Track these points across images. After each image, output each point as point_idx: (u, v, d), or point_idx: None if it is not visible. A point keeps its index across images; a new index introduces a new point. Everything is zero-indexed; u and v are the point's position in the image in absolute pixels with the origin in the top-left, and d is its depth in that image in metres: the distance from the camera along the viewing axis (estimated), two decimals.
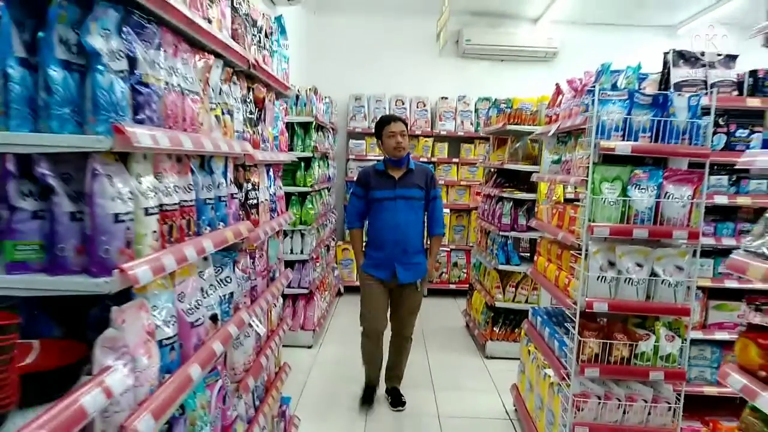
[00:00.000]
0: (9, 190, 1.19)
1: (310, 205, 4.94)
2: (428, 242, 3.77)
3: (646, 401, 2.66)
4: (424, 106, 7.00)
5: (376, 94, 6.99)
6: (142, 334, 1.38)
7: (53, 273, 1.22)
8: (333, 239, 6.62)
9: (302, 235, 4.97)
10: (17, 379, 0.94)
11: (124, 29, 1.28)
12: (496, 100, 5.54)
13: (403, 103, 6.98)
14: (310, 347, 4.87)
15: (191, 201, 1.64)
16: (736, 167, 2.61)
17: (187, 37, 1.63)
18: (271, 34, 2.72)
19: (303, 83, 5.48)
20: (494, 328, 4.76)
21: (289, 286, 4.86)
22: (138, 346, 1.36)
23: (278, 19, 2.90)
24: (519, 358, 3.76)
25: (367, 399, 3.82)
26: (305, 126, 4.96)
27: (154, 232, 1.39)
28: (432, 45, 6.92)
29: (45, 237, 1.22)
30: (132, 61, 1.29)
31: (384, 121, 3.55)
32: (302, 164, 4.91)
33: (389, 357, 3.86)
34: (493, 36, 7.03)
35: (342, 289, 6.70)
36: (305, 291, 4.95)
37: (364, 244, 3.74)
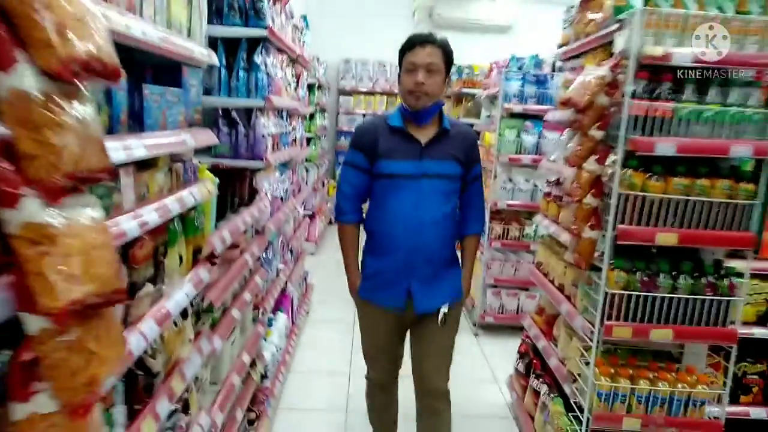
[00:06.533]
0: (219, 123, 2.80)
1: (314, 147, 6.54)
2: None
3: (530, 263, 4.42)
4: None
5: (362, 58, 8.48)
6: (263, 191, 3.03)
7: (235, 158, 2.84)
8: (326, 178, 8.26)
9: (307, 170, 6.58)
10: (248, 195, 2.58)
11: (262, 50, 2.86)
12: (459, 66, 7.08)
13: (384, 66, 8.49)
14: (313, 254, 6.57)
15: (279, 132, 3.25)
16: None
17: (277, 47, 3.20)
18: (302, 29, 4.26)
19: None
20: None
21: None
22: (263, 197, 3.00)
23: (304, 17, 4.42)
24: None
25: None
26: (310, 87, 6.50)
27: (272, 144, 3.01)
28: (410, 17, 8.39)
29: (231, 143, 2.83)
30: (265, 65, 2.88)
31: (404, 46, 2.11)
32: (308, 116, 6.47)
33: None
34: (459, 11, 8.53)
35: (333, 219, 8.39)
36: (309, 213, 6.61)
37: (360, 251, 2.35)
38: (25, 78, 0.71)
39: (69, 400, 0.80)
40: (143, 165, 1.40)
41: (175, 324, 1.62)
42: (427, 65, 2.03)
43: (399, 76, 2.15)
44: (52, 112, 0.74)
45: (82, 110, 0.81)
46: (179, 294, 1.58)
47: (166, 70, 1.59)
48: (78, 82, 0.79)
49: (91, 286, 0.78)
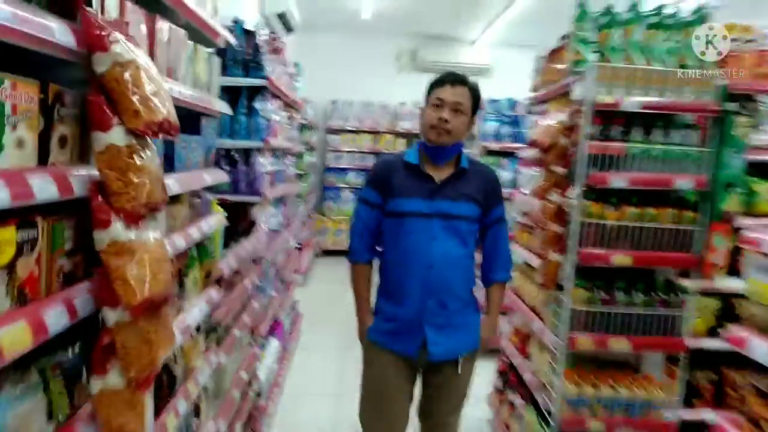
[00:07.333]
0: (220, 162, 3.07)
1: (304, 183, 6.84)
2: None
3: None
4: (387, 109, 8.94)
5: (348, 99, 8.89)
6: (259, 223, 3.29)
7: (234, 194, 3.11)
8: (313, 213, 8.55)
9: (297, 205, 6.86)
10: (247, 227, 2.84)
11: (261, 97, 3.17)
12: None
13: (369, 107, 8.89)
14: (301, 285, 6.78)
15: (275, 170, 3.53)
16: None
17: (274, 93, 3.52)
18: (294, 76, 4.60)
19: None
20: None
21: None
22: (260, 229, 3.26)
23: (297, 64, 4.78)
24: None
25: None
26: (300, 126, 6.84)
27: (269, 182, 3.29)
28: (394, 61, 8.85)
29: (232, 181, 3.11)
30: (264, 110, 3.18)
31: (434, 82, 2.09)
32: (298, 154, 6.79)
33: None
34: (441, 55, 9.01)
35: (320, 252, 8.63)
36: (298, 246, 6.85)
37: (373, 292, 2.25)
38: (117, 135, 0.98)
39: (135, 377, 1.04)
40: (170, 199, 1.67)
41: (191, 337, 1.86)
42: (454, 104, 2.00)
43: (422, 110, 2.09)
44: (133, 160, 1.01)
45: (151, 156, 1.08)
46: (195, 310, 1.83)
47: (186, 117, 1.87)
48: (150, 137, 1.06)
49: (157, 287, 1.03)
